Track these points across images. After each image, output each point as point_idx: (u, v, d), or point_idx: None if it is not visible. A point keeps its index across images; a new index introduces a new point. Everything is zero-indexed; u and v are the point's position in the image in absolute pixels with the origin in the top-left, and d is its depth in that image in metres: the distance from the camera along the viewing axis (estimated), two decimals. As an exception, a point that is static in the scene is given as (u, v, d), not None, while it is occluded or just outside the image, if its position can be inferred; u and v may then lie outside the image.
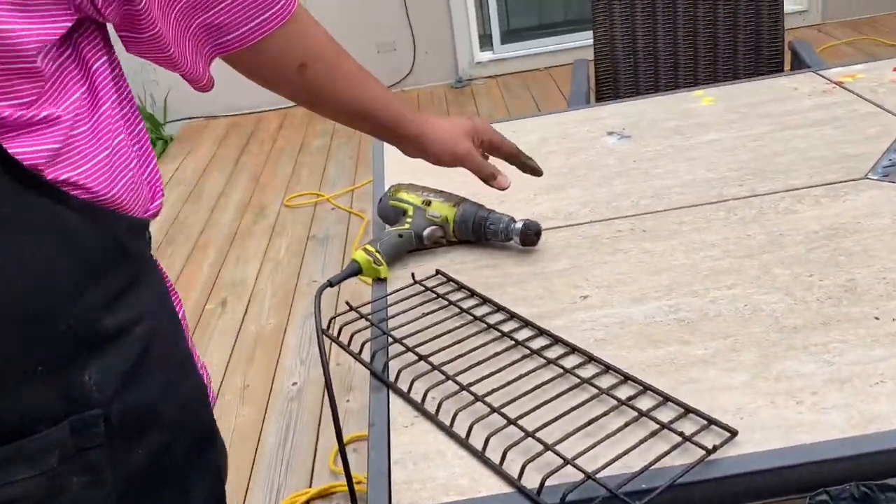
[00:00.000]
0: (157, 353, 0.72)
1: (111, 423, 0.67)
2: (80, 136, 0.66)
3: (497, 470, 0.68)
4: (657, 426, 0.69)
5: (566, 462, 0.66)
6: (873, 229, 0.96)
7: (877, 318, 0.80)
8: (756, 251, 0.95)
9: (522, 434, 0.69)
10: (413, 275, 1.00)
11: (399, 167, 1.30)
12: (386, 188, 1.19)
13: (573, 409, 0.72)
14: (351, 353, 0.89)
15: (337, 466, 1.77)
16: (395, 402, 0.80)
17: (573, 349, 0.82)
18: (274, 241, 2.90)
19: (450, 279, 0.98)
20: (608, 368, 0.78)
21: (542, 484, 0.64)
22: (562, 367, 0.79)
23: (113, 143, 0.69)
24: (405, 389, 0.80)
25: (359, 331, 0.92)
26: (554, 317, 0.89)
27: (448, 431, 0.74)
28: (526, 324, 0.87)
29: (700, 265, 0.94)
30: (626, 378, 0.76)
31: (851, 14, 4.31)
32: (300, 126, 4.02)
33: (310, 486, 1.73)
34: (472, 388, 0.77)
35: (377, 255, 1.01)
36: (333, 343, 0.91)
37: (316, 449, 1.84)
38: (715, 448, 0.66)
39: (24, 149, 0.63)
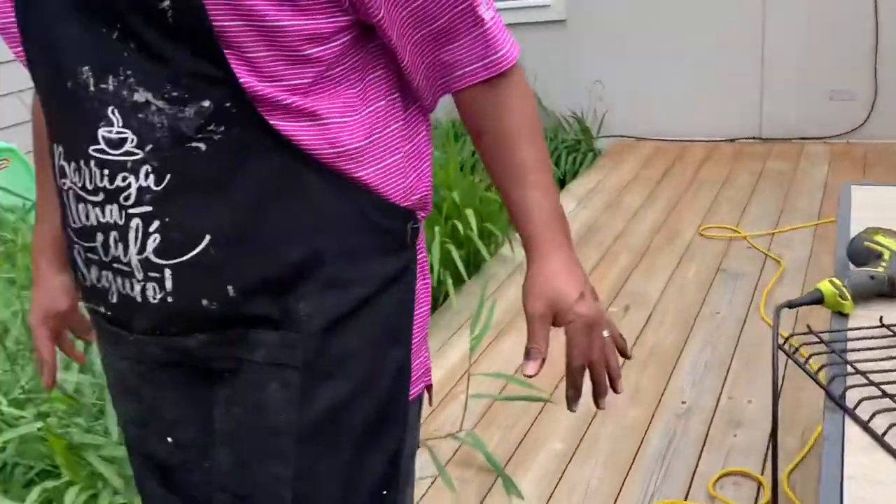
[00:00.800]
0: (370, 320, 0.84)
1: (308, 353, 0.82)
2: (347, 124, 0.81)
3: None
4: None
5: None
6: None
7: None
8: None
9: None
10: (881, 318, 0.99)
11: (867, 212, 1.28)
12: (851, 229, 1.19)
13: None
14: (807, 373, 0.93)
15: (717, 492, 1.78)
16: (851, 429, 0.82)
17: None
18: (683, 265, 2.95)
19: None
20: None
21: None
22: None
23: (376, 131, 0.83)
24: (865, 419, 0.82)
25: (813, 355, 0.95)
26: None
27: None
28: None
29: None
30: None
31: None
32: (727, 161, 4.00)
33: (685, 500, 1.77)
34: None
35: (843, 290, 1.03)
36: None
37: (696, 469, 1.87)
38: None
39: (289, 126, 0.78)
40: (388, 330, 0.87)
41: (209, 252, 0.78)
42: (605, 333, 0.86)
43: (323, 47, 0.77)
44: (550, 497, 1.83)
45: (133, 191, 0.78)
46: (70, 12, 0.77)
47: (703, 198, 3.58)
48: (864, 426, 0.81)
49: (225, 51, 0.73)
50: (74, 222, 0.84)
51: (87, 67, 0.77)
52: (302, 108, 0.78)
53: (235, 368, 0.84)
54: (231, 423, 0.85)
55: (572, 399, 0.87)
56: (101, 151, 0.78)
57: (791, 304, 1.03)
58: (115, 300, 0.84)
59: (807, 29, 4.02)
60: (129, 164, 0.77)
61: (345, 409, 0.84)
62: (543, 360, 0.84)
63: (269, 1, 0.73)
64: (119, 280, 0.82)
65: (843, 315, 1.03)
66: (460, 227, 2.93)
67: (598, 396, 0.87)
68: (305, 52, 0.76)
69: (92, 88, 0.77)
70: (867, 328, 0.98)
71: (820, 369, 0.92)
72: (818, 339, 0.97)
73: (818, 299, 1.04)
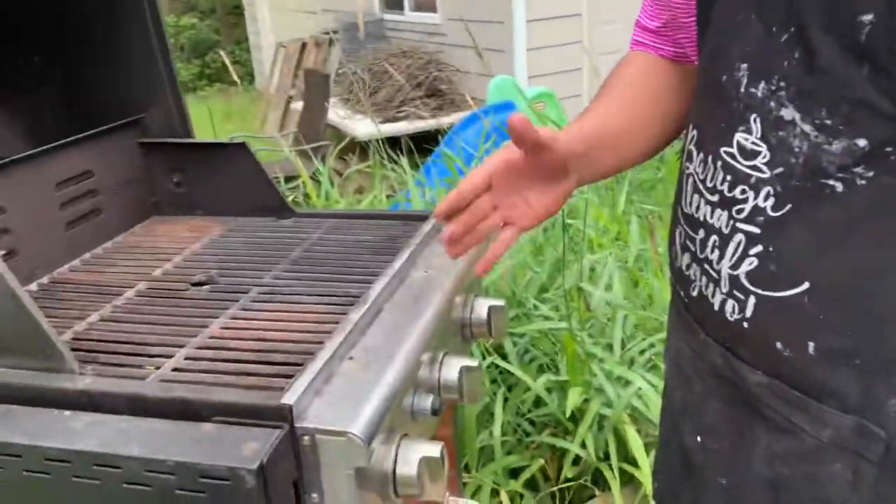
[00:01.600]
0: None
1: (890, 456, 0.69)
2: None
3: None
4: None
5: None
6: None
7: None
8: None
9: None
10: None
11: None
12: None
13: None
14: None
15: None
16: None
17: None
18: None
19: None
20: None
21: None
22: None
23: None
24: None
25: None
26: None
27: None
28: None
29: None
30: None
31: None
32: None
33: None
34: None
35: None
36: None
37: None
38: None
39: None
40: None
41: (802, 300, 0.71)
42: None
43: None
44: None
45: (748, 207, 0.73)
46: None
47: None
48: None
49: None
50: (685, 207, 0.83)
51: (745, 66, 0.71)
52: None
53: (788, 430, 0.76)
54: (772, 473, 0.79)
55: None
56: (732, 156, 0.74)
57: None
58: (695, 294, 0.82)
59: None
60: (752, 180, 0.72)
61: None
62: None
63: None
64: (704, 280, 0.80)
65: None
66: None
67: None
68: None
69: (742, 90, 0.71)
70: None
71: None
72: None
73: None
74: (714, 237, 0.77)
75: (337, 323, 0.95)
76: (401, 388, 0.86)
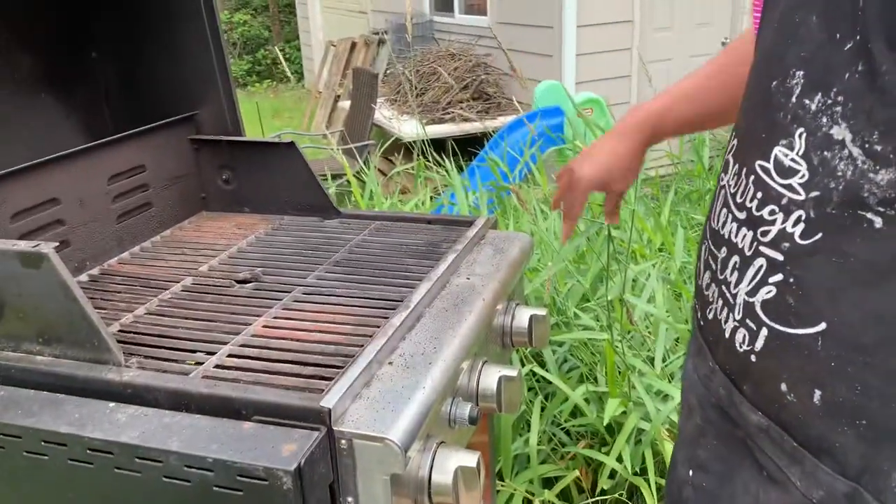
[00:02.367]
0: None
1: None
2: None
3: None
4: None
5: None
6: None
7: None
8: None
9: None
10: None
11: None
12: None
13: None
14: None
15: None
16: None
17: None
18: None
19: None
20: None
21: None
22: None
23: None
24: None
25: None
26: None
27: None
28: None
29: None
30: None
31: None
32: None
33: None
34: None
35: None
36: None
37: None
38: None
39: None
40: None
41: (816, 342, 0.65)
42: None
43: None
44: None
45: (775, 230, 0.67)
46: (819, 2, 0.63)
47: None
48: None
49: None
50: (713, 221, 0.78)
51: (801, 73, 0.64)
52: None
53: (779, 481, 0.72)
54: None
55: None
56: (766, 171, 0.68)
57: None
58: (710, 316, 0.78)
59: None
60: (784, 200, 0.66)
61: None
62: None
63: None
64: (720, 303, 0.75)
65: None
66: None
67: None
68: None
69: (793, 99, 0.65)
70: None
71: None
72: None
73: None
74: (735, 258, 0.72)
75: (378, 326, 0.95)
76: (439, 396, 0.86)
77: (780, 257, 0.67)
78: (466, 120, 5.80)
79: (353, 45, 7.83)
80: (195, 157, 1.41)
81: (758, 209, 0.69)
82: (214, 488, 0.74)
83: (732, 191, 0.74)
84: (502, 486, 1.68)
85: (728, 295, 0.73)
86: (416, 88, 6.09)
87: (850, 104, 0.60)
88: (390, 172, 4.35)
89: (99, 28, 1.34)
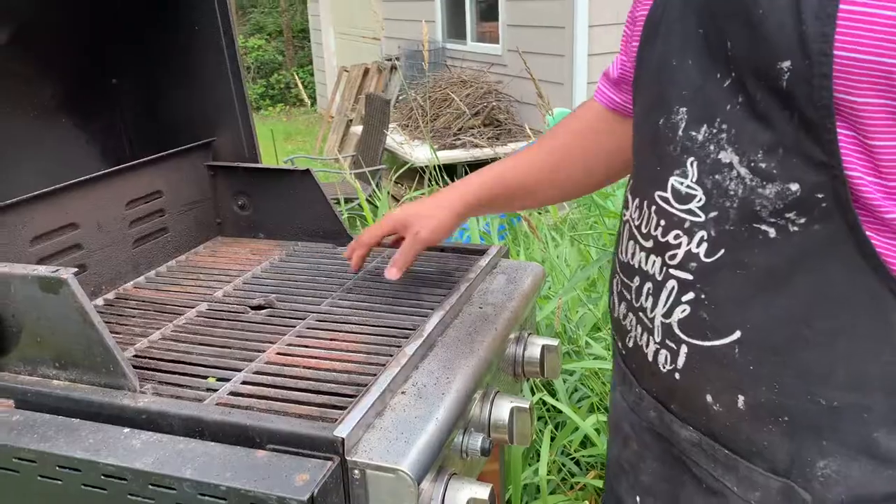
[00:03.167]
0: None
1: None
2: None
3: None
4: None
5: None
6: None
7: None
8: None
9: None
10: None
11: None
12: None
13: None
14: None
15: None
16: None
17: None
18: None
19: None
20: None
21: None
22: None
23: None
24: None
25: None
26: None
27: None
28: None
29: None
30: None
31: None
32: None
33: None
34: None
35: None
36: None
37: None
38: None
39: (887, 246, 0.61)
40: None
41: (733, 350, 0.69)
42: None
43: None
44: None
45: (681, 252, 0.72)
46: (691, 48, 0.70)
47: None
48: None
49: (840, 129, 0.60)
50: (621, 254, 0.83)
51: (684, 109, 0.71)
52: None
53: (718, 491, 0.75)
54: None
55: None
56: (666, 201, 0.73)
57: None
58: (630, 344, 0.82)
59: None
60: (686, 224, 0.71)
61: None
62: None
63: None
64: (639, 329, 0.79)
65: None
66: None
67: None
68: None
69: (680, 133, 0.71)
70: None
71: None
72: None
73: None
74: (648, 284, 0.76)
75: (391, 355, 0.96)
76: (452, 427, 0.86)
77: (689, 277, 0.71)
78: (477, 146, 5.83)
79: (366, 70, 7.91)
80: (211, 182, 1.42)
81: (663, 235, 0.74)
82: (227, 516, 0.74)
83: (636, 223, 0.79)
84: (511, 516, 1.67)
85: (646, 320, 0.77)
86: (427, 114, 6.13)
87: (734, 131, 0.66)
88: (402, 197, 4.36)
89: (120, 55, 1.36)
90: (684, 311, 0.72)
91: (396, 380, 0.89)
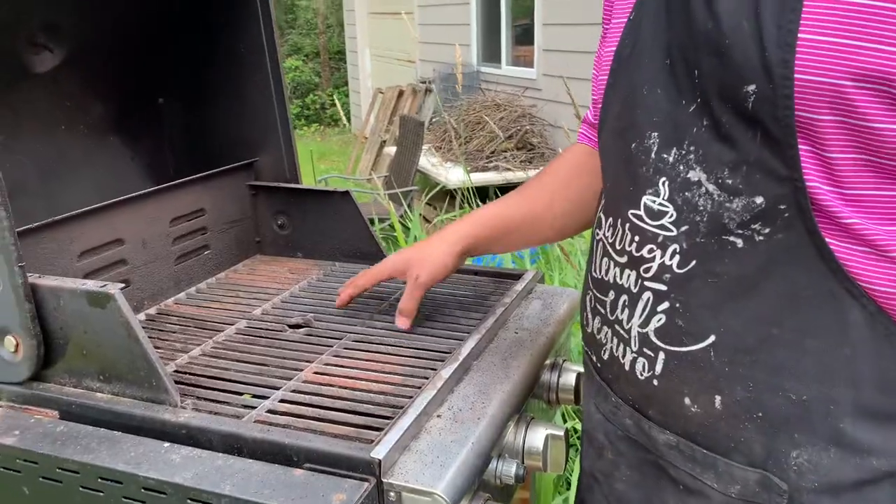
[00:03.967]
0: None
1: None
2: None
3: None
4: None
5: None
6: None
7: None
8: None
9: None
10: None
11: None
12: None
13: None
14: None
15: None
16: None
17: None
18: None
19: None
20: None
21: None
22: None
23: None
24: None
25: None
26: None
27: None
28: None
29: None
30: None
31: None
32: None
33: None
34: None
35: None
36: None
37: None
38: None
39: (845, 251, 0.67)
40: None
41: (709, 353, 0.74)
42: None
43: None
44: None
45: (655, 265, 0.77)
46: (660, 75, 0.76)
47: None
48: None
49: (801, 144, 0.66)
50: (595, 272, 0.87)
51: (656, 134, 0.76)
52: (869, 238, 0.67)
53: (696, 490, 0.78)
54: None
55: None
56: (639, 218, 0.78)
57: None
58: (606, 357, 0.86)
59: None
60: (659, 239, 0.76)
61: None
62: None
63: (880, 103, 0.62)
64: (615, 341, 0.83)
65: None
66: None
67: None
68: None
69: (653, 156, 0.76)
70: None
71: None
72: None
73: None
74: (624, 297, 0.81)
75: (427, 378, 0.96)
76: (487, 452, 0.86)
77: (663, 287, 0.76)
78: (509, 169, 5.85)
79: (401, 92, 7.98)
80: (252, 202, 1.45)
81: (637, 250, 0.79)
82: (264, 534, 0.75)
83: (610, 241, 0.84)
84: (540, 543, 1.65)
85: (622, 332, 0.82)
86: (461, 136, 6.17)
87: (701, 151, 0.72)
88: (433, 219, 4.38)
89: (167, 76, 1.40)
90: (660, 319, 0.77)
91: (432, 403, 0.90)
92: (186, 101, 1.43)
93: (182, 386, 0.96)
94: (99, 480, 0.82)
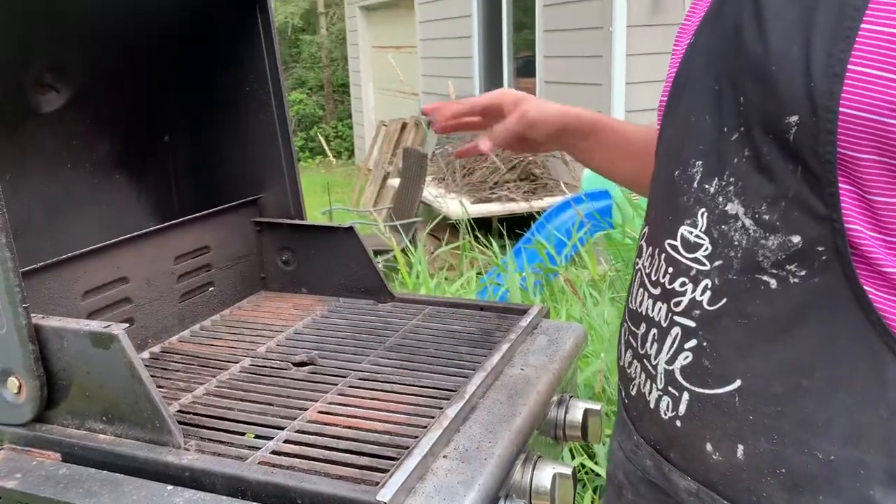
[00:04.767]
0: None
1: None
2: None
3: None
4: None
5: None
6: None
7: None
8: None
9: None
10: None
11: None
12: None
13: None
14: None
15: None
16: None
17: None
18: None
19: None
20: None
21: None
22: None
23: None
24: None
25: None
26: None
27: None
28: None
29: None
30: None
31: None
32: None
33: None
34: None
35: None
36: None
37: None
38: None
39: (885, 301, 0.61)
40: None
41: (734, 399, 0.70)
42: None
43: None
44: None
45: (686, 299, 0.74)
46: (709, 105, 0.73)
47: None
48: None
49: (841, 183, 0.62)
50: (631, 303, 0.85)
51: (700, 163, 0.73)
52: None
53: None
54: None
55: None
56: (675, 249, 0.76)
57: None
58: (633, 392, 0.83)
59: None
60: (692, 272, 0.73)
61: None
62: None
63: None
64: (643, 377, 0.80)
65: None
66: None
67: None
68: None
69: (695, 185, 0.73)
70: None
71: None
72: None
73: None
74: (654, 331, 0.78)
75: (432, 417, 0.95)
76: (494, 493, 0.85)
77: (692, 324, 0.73)
78: (512, 200, 5.86)
79: (404, 125, 8.03)
80: (257, 238, 1.45)
81: (670, 283, 0.76)
82: (268, 580, 0.73)
83: (647, 271, 0.81)
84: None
85: (650, 367, 0.79)
86: (464, 168, 6.19)
87: (740, 183, 0.69)
88: (436, 250, 4.38)
89: (172, 114, 1.41)
90: (687, 357, 0.74)
91: (438, 443, 0.89)
92: (191, 138, 1.43)
93: (185, 426, 0.96)
94: (101, 525, 0.80)
